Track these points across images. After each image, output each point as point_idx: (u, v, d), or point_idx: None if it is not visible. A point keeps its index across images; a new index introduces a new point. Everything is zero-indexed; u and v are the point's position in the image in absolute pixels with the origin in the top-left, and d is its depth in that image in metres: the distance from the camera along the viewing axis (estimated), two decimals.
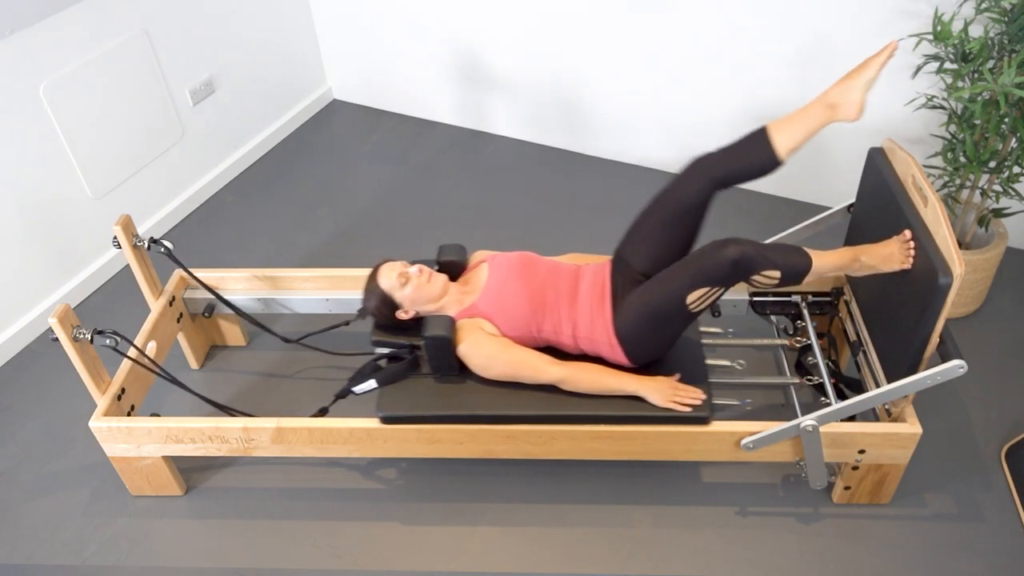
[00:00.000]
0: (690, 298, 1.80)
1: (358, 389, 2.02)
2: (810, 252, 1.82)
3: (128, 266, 3.00)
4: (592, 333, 1.94)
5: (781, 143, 1.85)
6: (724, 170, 1.88)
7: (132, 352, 2.09)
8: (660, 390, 1.91)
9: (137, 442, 2.03)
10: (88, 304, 2.84)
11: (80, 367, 1.94)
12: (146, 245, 2.23)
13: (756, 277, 1.77)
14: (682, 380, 1.97)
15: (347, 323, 2.30)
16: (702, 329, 2.22)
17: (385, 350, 2.07)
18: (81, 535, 2.11)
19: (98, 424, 1.98)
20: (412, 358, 2.02)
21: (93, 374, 1.98)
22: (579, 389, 1.93)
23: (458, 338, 1.93)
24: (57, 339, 1.87)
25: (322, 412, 2.10)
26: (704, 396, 1.92)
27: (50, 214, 2.68)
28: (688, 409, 1.90)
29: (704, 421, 1.91)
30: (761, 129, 1.87)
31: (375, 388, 2.01)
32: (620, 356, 1.95)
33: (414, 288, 1.97)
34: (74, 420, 2.42)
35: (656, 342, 1.92)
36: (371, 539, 2.08)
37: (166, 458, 2.10)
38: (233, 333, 2.59)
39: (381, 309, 2.01)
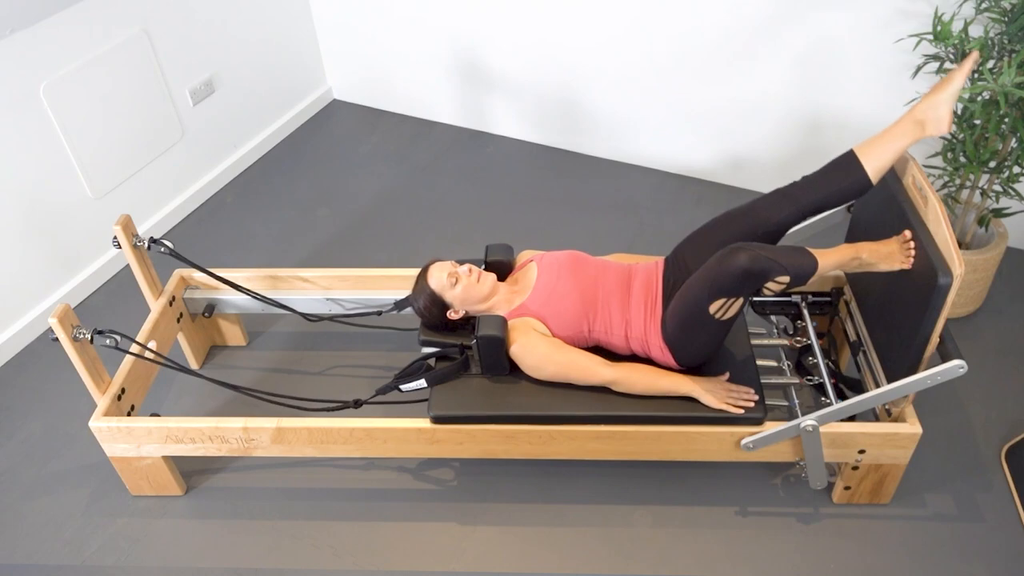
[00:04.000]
0: (711, 308, 1.80)
1: (406, 387, 2.01)
2: (813, 252, 1.82)
3: (128, 266, 3.00)
4: (644, 334, 1.94)
5: (871, 165, 1.84)
6: (814, 198, 1.87)
7: (135, 348, 2.08)
8: (713, 391, 1.90)
9: (137, 442, 2.03)
10: (88, 304, 2.84)
11: (80, 367, 1.94)
12: (146, 245, 2.23)
13: (769, 284, 1.76)
14: (733, 380, 1.96)
15: (379, 313, 2.29)
16: (751, 331, 2.22)
17: (433, 349, 2.06)
18: (81, 535, 2.11)
19: (98, 424, 1.98)
20: (463, 358, 2.01)
21: (93, 374, 1.98)
22: (632, 391, 1.92)
23: (511, 338, 1.92)
24: (57, 339, 1.87)
25: (357, 404, 2.05)
26: (756, 397, 1.92)
27: (50, 214, 2.68)
28: (741, 411, 1.89)
29: (758, 422, 1.91)
30: (849, 153, 1.87)
31: (424, 387, 2.00)
32: (669, 358, 1.94)
33: (464, 288, 1.96)
34: (74, 420, 2.42)
35: (698, 347, 1.91)
36: (371, 539, 2.08)
37: (166, 458, 2.10)
38: (233, 333, 2.59)
39: (431, 309, 2.00)
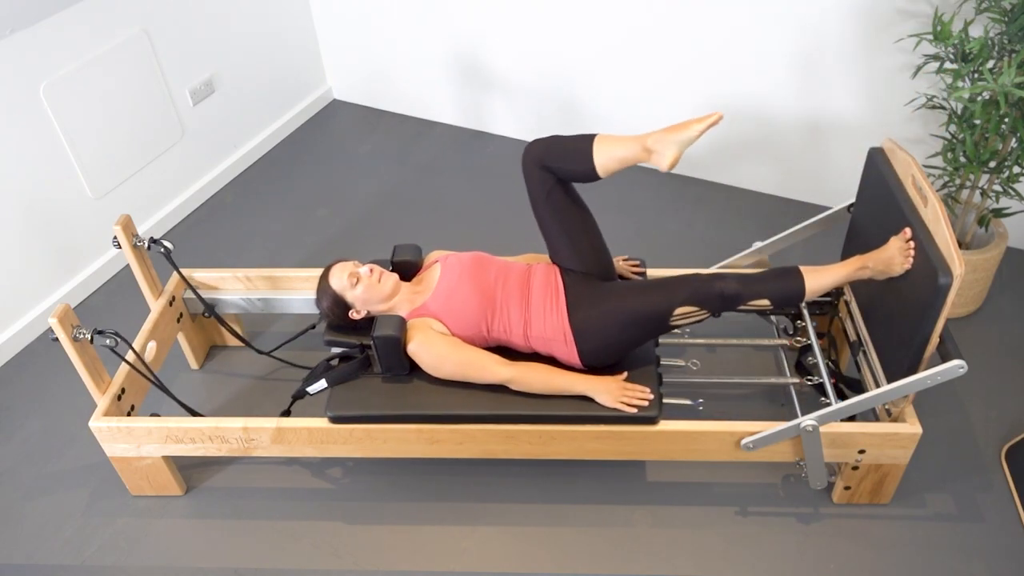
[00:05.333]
0: (677, 311, 1.85)
1: (311, 389, 2.03)
2: (809, 273, 1.86)
3: (128, 266, 3.00)
4: (544, 332, 1.95)
5: (599, 160, 1.87)
6: (550, 163, 1.91)
7: (130, 356, 2.09)
8: (609, 390, 1.92)
9: (137, 442, 2.03)
10: (88, 304, 2.84)
11: (80, 367, 1.94)
12: (146, 245, 2.23)
13: (744, 307, 1.86)
14: (631, 380, 1.98)
15: (313, 326, 2.31)
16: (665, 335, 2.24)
17: (338, 350, 2.08)
18: (81, 535, 2.11)
19: (98, 424, 1.98)
20: (363, 358, 2.03)
21: (93, 374, 1.98)
22: (528, 389, 1.93)
23: (408, 337, 1.94)
24: (57, 339, 1.87)
25: (286, 414, 2.11)
26: (651, 396, 1.93)
27: (50, 214, 2.68)
28: (635, 410, 1.91)
29: (652, 421, 1.92)
30: (591, 137, 1.88)
31: (326, 388, 2.02)
32: (573, 355, 1.95)
33: (365, 288, 1.98)
34: (74, 420, 2.42)
35: (617, 345, 1.93)
36: (371, 539, 2.08)
37: (166, 458, 2.10)
38: None
39: (333, 309, 2.02)
